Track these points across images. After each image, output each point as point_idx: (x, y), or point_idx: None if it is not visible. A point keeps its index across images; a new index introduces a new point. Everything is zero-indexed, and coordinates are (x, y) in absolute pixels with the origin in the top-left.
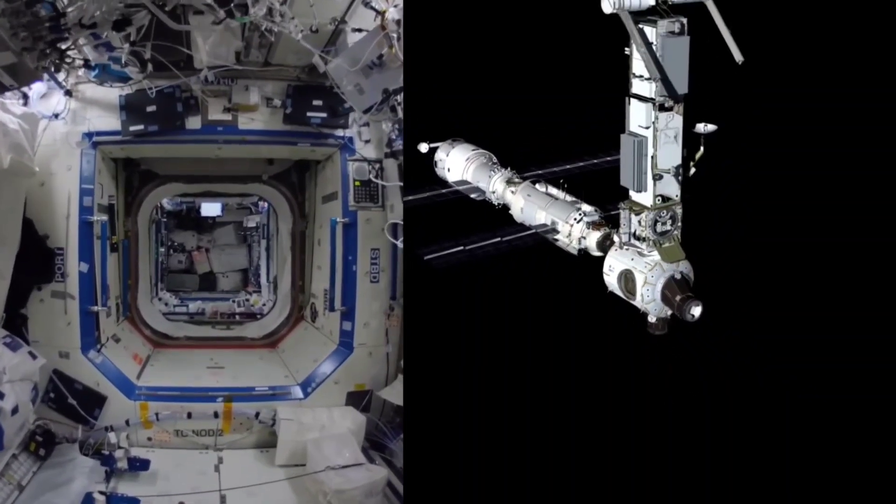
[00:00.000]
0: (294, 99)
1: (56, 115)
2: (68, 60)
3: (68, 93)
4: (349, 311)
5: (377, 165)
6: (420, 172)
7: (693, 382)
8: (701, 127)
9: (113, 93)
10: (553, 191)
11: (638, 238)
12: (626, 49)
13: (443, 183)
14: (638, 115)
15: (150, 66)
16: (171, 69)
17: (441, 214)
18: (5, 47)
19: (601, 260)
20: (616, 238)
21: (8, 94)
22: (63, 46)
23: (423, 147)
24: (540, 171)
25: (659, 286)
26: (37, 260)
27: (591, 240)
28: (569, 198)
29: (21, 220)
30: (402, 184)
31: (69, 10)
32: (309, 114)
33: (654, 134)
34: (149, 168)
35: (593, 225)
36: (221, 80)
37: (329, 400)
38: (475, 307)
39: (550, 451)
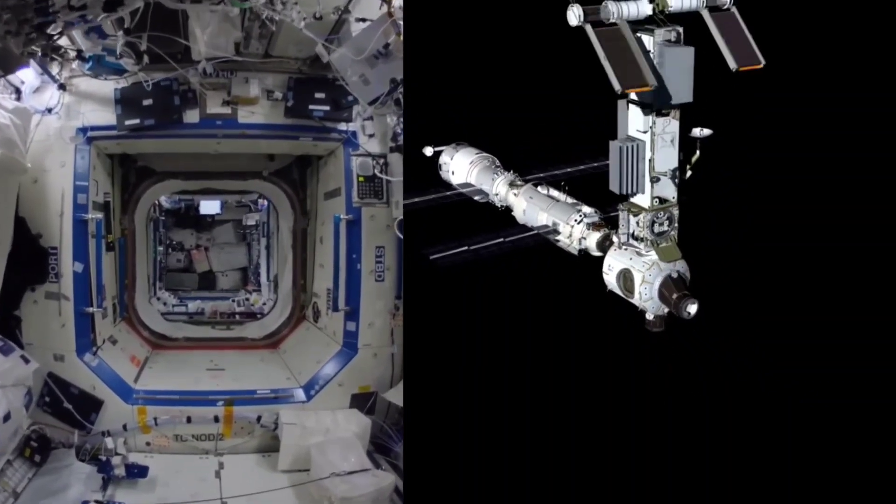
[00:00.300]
0: (296, 91)
1: (49, 110)
2: (61, 52)
3: (62, 86)
4: (353, 311)
5: (382, 160)
6: (420, 172)
7: (693, 383)
8: (697, 131)
9: (108, 86)
10: (554, 193)
11: (636, 238)
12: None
13: (442, 184)
14: (636, 120)
15: (145, 58)
16: (167, 61)
17: (440, 216)
18: None
19: (601, 260)
20: (615, 238)
21: None
22: (51, 31)
23: (428, 150)
24: (542, 175)
25: (656, 285)
26: (29, 260)
27: (591, 240)
28: (570, 200)
29: (13, 218)
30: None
31: None
32: (311, 107)
33: (651, 138)
34: (146, 164)
35: (593, 226)
36: (220, 73)
37: (333, 402)
38: (477, 307)
39: (550, 450)
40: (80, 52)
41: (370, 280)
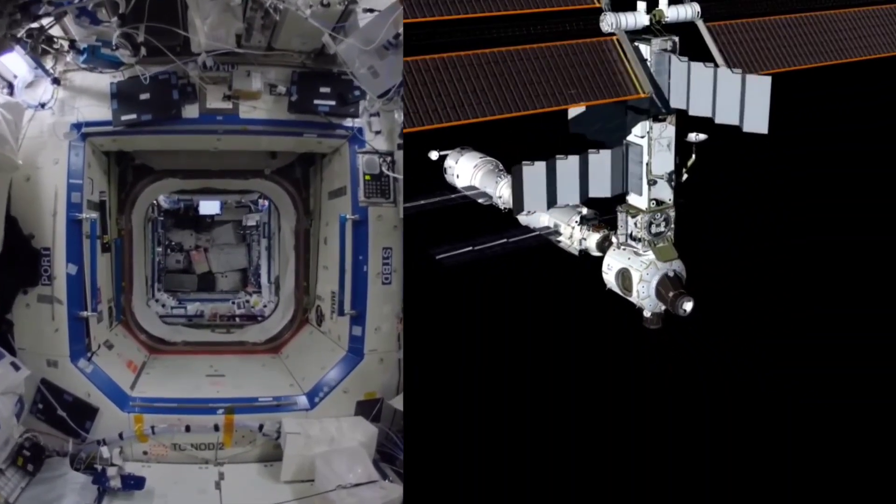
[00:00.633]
0: (300, 86)
1: (43, 105)
2: (55, 45)
3: (56, 81)
4: (360, 315)
5: (389, 158)
6: (420, 174)
7: (693, 383)
8: (693, 136)
9: (104, 80)
10: None
11: (634, 239)
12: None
13: (446, 187)
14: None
15: (143, 50)
16: (166, 53)
17: (445, 217)
18: None
19: (601, 260)
20: (614, 239)
21: None
22: (40, 13)
23: (434, 154)
24: None
25: (653, 283)
26: (21, 261)
27: (591, 241)
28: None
29: (4, 218)
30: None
31: None
32: (316, 101)
33: (648, 142)
34: (143, 162)
35: (593, 227)
36: (221, 66)
37: (337, 410)
38: (479, 306)
39: (550, 448)
40: (73, 43)
41: (377, 283)
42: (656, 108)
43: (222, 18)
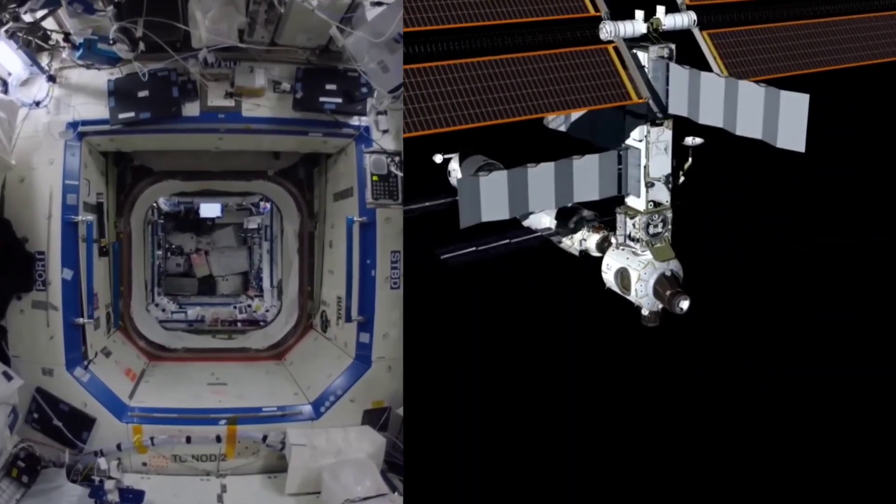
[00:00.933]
0: (305, 83)
1: (38, 103)
2: (49, 40)
3: (51, 78)
4: (367, 322)
5: (397, 158)
6: (423, 173)
7: (693, 383)
8: (689, 140)
9: (101, 77)
10: None
11: (632, 239)
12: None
13: (449, 190)
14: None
15: (141, 45)
16: (165, 49)
17: (444, 219)
18: None
19: (600, 260)
20: (613, 240)
21: None
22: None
23: (438, 158)
24: None
25: (651, 282)
26: (15, 266)
27: (591, 241)
28: (571, 204)
29: None
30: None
31: None
32: (322, 99)
33: (646, 146)
34: (142, 163)
35: (593, 228)
36: (223, 62)
37: (344, 419)
38: (481, 305)
39: (550, 447)
40: (67, 36)
41: (385, 287)
42: (653, 113)
43: (224, 12)
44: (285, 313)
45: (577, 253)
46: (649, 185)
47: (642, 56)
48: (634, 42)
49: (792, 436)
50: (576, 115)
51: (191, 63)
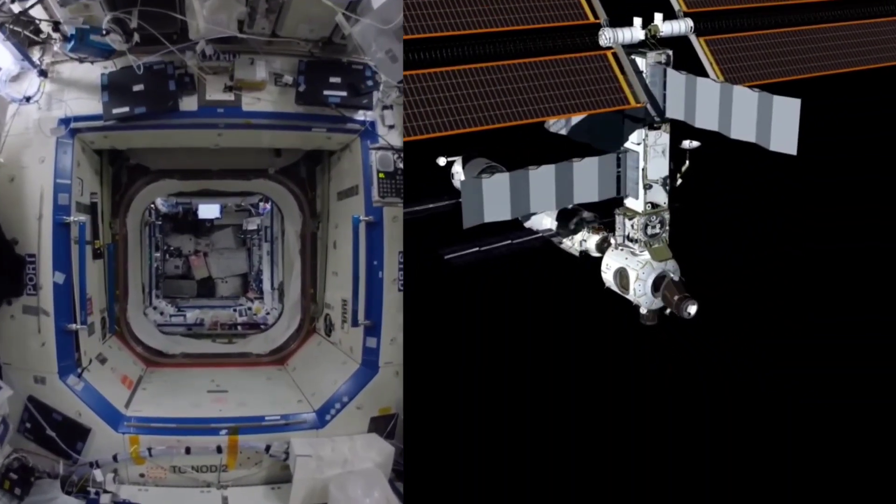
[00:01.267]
0: (308, 76)
1: (28, 99)
2: (42, 35)
3: (43, 73)
4: (375, 326)
5: (404, 154)
6: (427, 176)
7: (693, 383)
8: (686, 143)
9: (95, 72)
10: None
11: (631, 240)
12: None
13: (452, 192)
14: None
15: (136, 37)
16: (161, 41)
17: (447, 220)
18: None
19: (600, 261)
20: (612, 241)
21: None
22: None
23: (442, 161)
24: None
25: (649, 282)
26: (4, 269)
27: (591, 242)
28: (571, 205)
29: None
30: None
31: None
32: (326, 92)
33: (644, 149)
34: (138, 162)
35: (593, 229)
36: (221, 55)
37: (350, 427)
38: (483, 304)
39: (550, 446)
40: (57, 25)
41: (393, 290)
42: (651, 117)
43: (223, 2)
44: (287, 317)
45: (577, 253)
46: (647, 187)
47: (640, 62)
48: (633, 48)
49: (792, 436)
50: (576, 119)
51: (188, 55)
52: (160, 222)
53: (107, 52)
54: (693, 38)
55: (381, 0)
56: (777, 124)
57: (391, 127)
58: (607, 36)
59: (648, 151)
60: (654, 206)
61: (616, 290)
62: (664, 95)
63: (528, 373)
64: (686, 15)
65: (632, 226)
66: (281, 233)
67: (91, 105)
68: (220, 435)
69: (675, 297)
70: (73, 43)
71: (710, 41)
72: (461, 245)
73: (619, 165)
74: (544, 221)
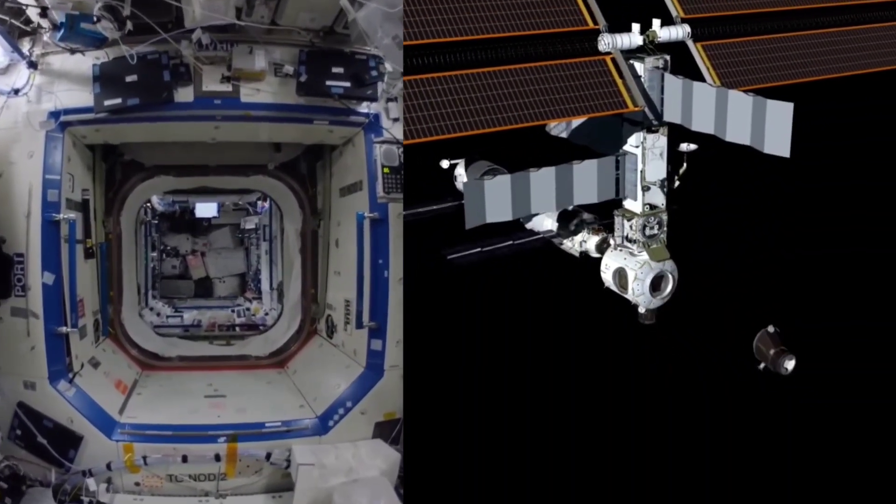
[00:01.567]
0: (309, 65)
1: (16, 91)
2: (32, 25)
3: (32, 64)
4: (380, 328)
5: None
6: (430, 178)
7: (693, 383)
8: (684, 146)
9: (86, 63)
10: None
11: (629, 240)
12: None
13: (455, 193)
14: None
15: (129, 25)
16: (156, 30)
17: (449, 221)
18: None
19: (600, 261)
20: (612, 241)
21: None
22: None
23: (445, 163)
24: None
25: (647, 281)
26: None
27: (591, 243)
28: (572, 207)
29: None
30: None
31: None
32: (328, 83)
33: (642, 151)
34: (133, 158)
35: (593, 230)
36: (218, 45)
37: (354, 433)
38: (484, 304)
39: (550, 446)
40: (45, 11)
41: (398, 290)
42: (649, 121)
43: None
44: (287, 318)
45: (577, 254)
46: (645, 188)
47: (639, 67)
48: (631, 53)
49: (792, 436)
50: (576, 122)
51: (184, 44)
52: (156, 221)
53: (98, 42)
54: (690, 44)
55: None
56: (771, 127)
57: (396, 120)
58: (606, 41)
59: (646, 154)
60: (653, 207)
61: (615, 290)
62: (662, 99)
63: (529, 371)
64: (683, 21)
65: (630, 227)
66: (280, 231)
67: (82, 97)
68: (218, 442)
69: (771, 352)
70: (63, 31)
71: (706, 46)
72: (464, 245)
73: (617, 168)
74: (545, 223)
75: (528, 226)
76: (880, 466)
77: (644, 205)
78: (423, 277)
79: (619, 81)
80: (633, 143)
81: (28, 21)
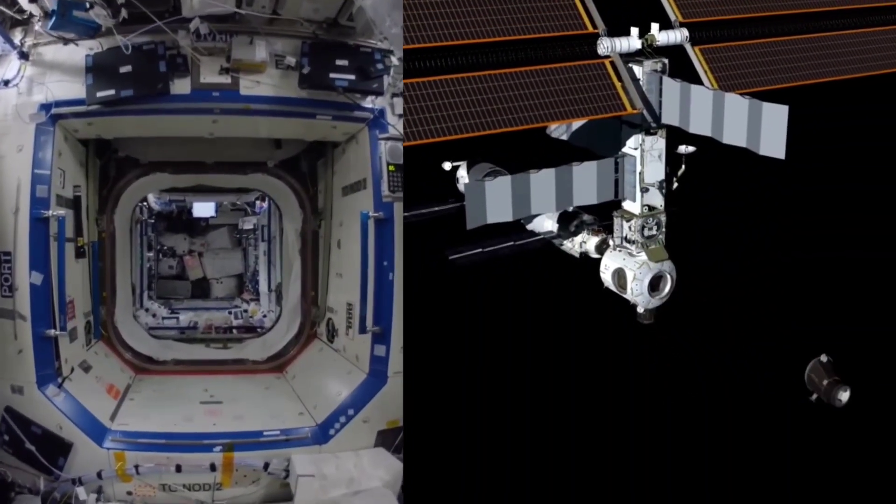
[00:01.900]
0: (312, 57)
1: (6, 83)
2: (24, 15)
3: (23, 55)
4: (384, 333)
5: None
6: (431, 179)
7: (693, 383)
8: (682, 148)
9: (80, 54)
10: None
11: (628, 241)
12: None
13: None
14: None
15: (123, 13)
16: (152, 19)
17: (451, 222)
18: None
19: (599, 262)
20: (611, 242)
21: None
22: None
23: (447, 165)
24: None
25: (646, 281)
26: None
27: (591, 244)
28: (572, 208)
29: None
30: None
31: None
32: (332, 75)
33: (641, 153)
34: (128, 154)
35: (593, 231)
36: (217, 35)
37: (356, 442)
38: (484, 304)
39: (550, 446)
40: None
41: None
42: (647, 123)
43: None
44: (286, 320)
45: (577, 255)
46: (644, 190)
47: (637, 70)
48: (630, 57)
49: (791, 436)
50: (576, 124)
51: (181, 34)
52: (153, 221)
53: (92, 31)
54: (688, 48)
55: None
56: (766, 130)
57: (401, 116)
58: (605, 45)
59: (645, 156)
60: (651, 208)
61: (614, 290)
62: (660, 102)
63: (529, 370)
64: (682, 25)
65: (629, 227)
66: (279, 231)
67: (74, 89)
68: (213, 452)
69: (825, 382)
70: (54, 19)
71: (704, 50)
72: (465, 246)
73: (616, 169)
74: (545, 224)
75: (529, 227)
76: (880, 467)
77: (643, 206)
78: (424, 278)
79: (617, 84)
80: (631, 146)
81: (21, 11)
